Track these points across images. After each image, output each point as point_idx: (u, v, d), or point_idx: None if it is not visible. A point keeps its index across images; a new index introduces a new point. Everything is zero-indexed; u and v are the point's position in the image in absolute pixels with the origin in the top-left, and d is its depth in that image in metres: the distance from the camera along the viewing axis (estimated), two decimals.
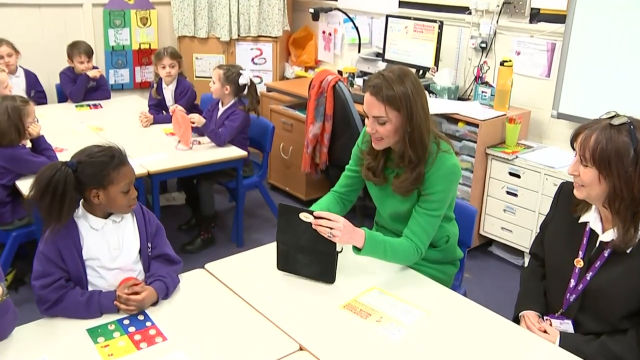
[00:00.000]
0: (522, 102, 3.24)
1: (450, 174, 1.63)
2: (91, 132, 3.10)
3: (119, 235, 1.54)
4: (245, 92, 3.11)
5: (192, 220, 3.41)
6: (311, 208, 1.82)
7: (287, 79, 4.55)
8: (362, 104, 3.53)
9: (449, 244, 1.82)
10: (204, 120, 2.95)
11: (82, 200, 1.51)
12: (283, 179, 3.94)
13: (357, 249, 1.58)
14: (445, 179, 1.62)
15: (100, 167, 1.46)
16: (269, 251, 1.74)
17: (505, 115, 3.05)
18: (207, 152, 2.92)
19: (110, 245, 1.52)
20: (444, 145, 1.66)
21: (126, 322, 1.43)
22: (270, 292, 1.58)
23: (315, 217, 1.53)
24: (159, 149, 2.92)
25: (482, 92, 3.22)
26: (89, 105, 3.65)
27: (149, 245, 1.59)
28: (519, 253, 3.10)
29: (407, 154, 1.61)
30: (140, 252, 1.57)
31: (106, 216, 1.53)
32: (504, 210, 3.03)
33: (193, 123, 2.90)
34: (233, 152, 2.97)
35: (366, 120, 1.65)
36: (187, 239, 3.21)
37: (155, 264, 1.59)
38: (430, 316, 1.49)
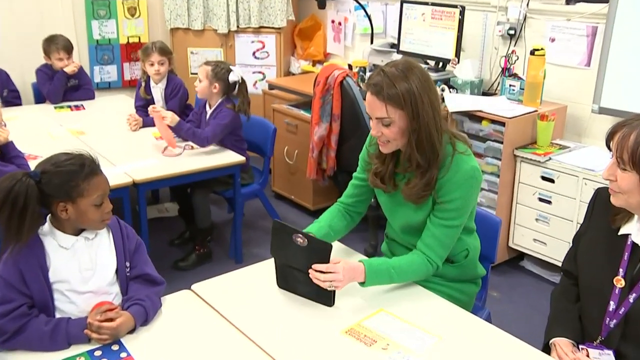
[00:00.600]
0: (556, 96, 3.18)
1: (469, 179, 1.60)
2: (71, 137, 3.11)
3: (91, 254, 1.52)
4: (236, 91, 3.09)
5: (185, 233, 3.41)
6: (314, 222, 1.80)
7: (293, 74, 4.54)
8: None
9: (468, 259, 1.78)
10: (177, 119, 2.93)
11: (49, 215, 1.50)
12: (288, 187, 3.92)
13: (360, 282, 1.60)
14: (463, 185, 1.60)
15: (67, 177, 1.44)
16: (266, 268, 1.72)
17: (536, 111, 3.00)
18: (200, 158, 2.92)
19: (81, 265, 1.50)
20: (460, 146, 1.64)
21: (98, 353, 1.41)
22: (265, 316, 1.56)
23: (311, 255, 1.54)
24: (148, 154, 2.92)
25: (510, 85, 3.17)
26: (69, 107, 3.67)
27: (127, 264, 1.58)
28: (555, 268, 3.03)
29: (415, 157, 1.60)
30: (117, 272, 1.56)
31: (77, 233, 1.51)
32: (536, 220, 2.97)
33: (164, 119, 2.89)
34: (229, 157, 2.96)
35: (370, 122, 1.64)
36: (180, 254, 3.21)
37: (134, 286, 1.58)
38: (443, 343, 1.45)
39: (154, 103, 3.50)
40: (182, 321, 1.54)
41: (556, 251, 2.91)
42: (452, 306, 1.62)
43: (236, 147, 3.10)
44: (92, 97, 3.82)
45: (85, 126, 3.28)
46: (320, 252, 1.54)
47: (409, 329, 1.49)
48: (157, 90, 3.48)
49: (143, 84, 3.48)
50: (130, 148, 3.04)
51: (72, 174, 1.44)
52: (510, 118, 2.89)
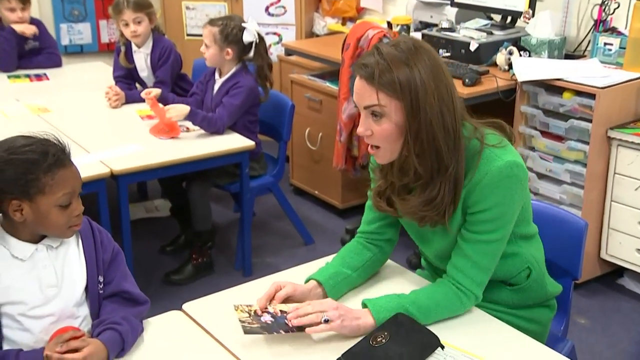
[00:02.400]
0: None
1: (505, 179, 1.55)
2: (31, 115, 3.14)
3: (57, 266, 1.53)
4: (252, 53, 3.10)
5: (180, 238, 3.44)
6: (328, 263, 1.76)
7: (317, 35, 4.54)
8: None
9: (532, 278, 1.74)
10: (187, 110, 2.95)
11: None
12: (310, 179, 3.93)
13: None
14: (498, 187, 1.55)
15: (24, 168, 1.42)
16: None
17: None
18: (198, 143, 2.93)
19: (43, 282, 1.50)
20: (491, 138, 1.59)
21: None
22: (272, 343, 1.55)
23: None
24: (132, 138, 2.94)
25: (606, 44, 3.12)
26: (28, 76, 3.71)
27: (101, 279, 1.58)
28: None
29: (411, 164, 1.55)
30: (86, 289, 1.56)
31: (37, 239, 1.52)
32: None
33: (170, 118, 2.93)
34: (235, 141, 2.97)
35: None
36: (174, 265, 3.24)
37: (108, 306, 1.58)
38: None
39: (137, 73, 3.55)
40: (169, 349, 1.54)
41: None
42: (522, 337, 1.60)
43: (248, 129, 3.12)
44: (58, 64, 3.86)
45: (50, 102, 3.32)
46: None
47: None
48: (141, 57, 3.51)
49: (123, 48, 3.52)
50: (109, 130, 3.07)
51: (31, 164, 1.43)
52: (602, 88, 2.84)
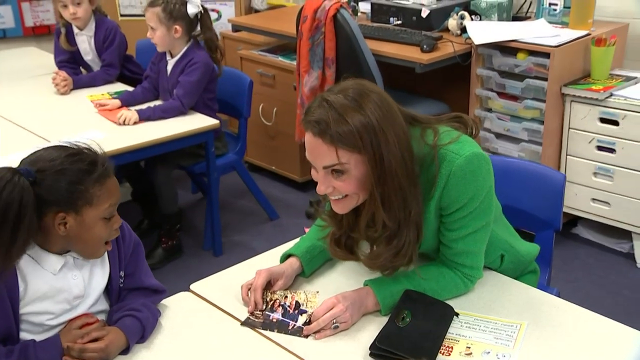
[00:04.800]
0: (612, 13, 3.21)
1: (469, 174, 1.51)
2: None
3: (85, 277, 1.49)
4: (199, 27, 3.06)
5: (143, 223, 3.40)
6: (302, 237, 1.76)
7: (257, 11, 4.49)
8: (374, 38, 3.39)
9: (505, 262, 1.75)
10: (136, 116, 2.89)
11: None
12: (266, 155, 3.92)
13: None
14: (466, 184, 1.51)
15: (76, 178, 1.37)
16: (273, 260, 1.74)
17: (588, 35, 3.02)
18: (161, 125, 2.89)
19: (71, 293, 1.47)
20: (444, 136, 1.53)
21: None
22: None
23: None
24: (89, 125, 2.88)
25: (551, 4, 3.20)
26: None
27: (122, 273, 1.56)
28: (622, 233, 3.11)
29: (380, 217, 1.49)
30: (108, 283, 1.54)
31: (63, 252, 1.46)
32: (595, 175, 3.03)
33: (122, 123, 2.86)
34: (199, 121, 2.95)
35: (312, 171, 1.51)
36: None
37: (127, 297, 1.57)
38: (534, 328, 1.51)
39: (81, 56, 3.43)
40: (185, 329, 1.55)
41: (623, 212, 2.99)
42: (521, 286, 1.68)
43: (208, 107, 3.08)
44: None
45: None
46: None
47: (484, 322, 1.53)
48: (84, 39, 3.40)
49: (63, 30, 3.40)
50: (64, 118, 2.98)
51: (82, 174, 1.38)
52: (555, 47, 2.91)
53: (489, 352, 1.44)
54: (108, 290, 1.56)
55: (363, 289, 1.58)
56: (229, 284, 1.68)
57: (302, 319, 1.55)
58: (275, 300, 1.61)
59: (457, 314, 1.55)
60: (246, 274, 1.68)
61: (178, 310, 1.62)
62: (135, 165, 3.24)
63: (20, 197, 1.30)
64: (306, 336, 1.50)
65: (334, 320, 1.50)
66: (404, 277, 1.59)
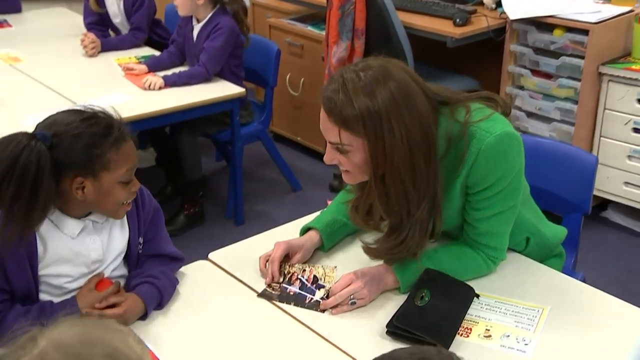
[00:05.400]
0: None
1: (500, 153, 1.48)
2: (2, 65, 3.03)
3: (104, 241, 1.49)
4: None
5: (167, 189, 3.41)
6: (324, 211, 1.74)
7: None
8: (406, 10, 3.33)
9: (533, 243, 1.73)
10: (162, 81, 2.88)
11: None
12: (291, 126, 3.90)
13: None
14: (495, 163, 1.48)
15: (92, 141, 1.36)
16: (294, 230, 1.73)
17: (632, 11, 2.96)
18: (187, 91, 2.89)
19: (90, 257, 1.47)
20: (476, 114, 1.50)
21: None
22: None
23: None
24: (114, 87, 2.88)
25: None
26: None
27: (140, 239, 1.56)
28: None
29: (377, 209, 1.49)
30: (127, 249, 1.55)
31: (84, 215, 1.46)
32: (629, 157, 2.98)
33: (148, 88, 2.86)
34: (225, 89, 2.93)
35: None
36: (164, 216, 3.19)
37: (146, 264, 1.57)
38: (555, 313, 1.49)
39: (110, 19, 3.43)
40: (202, 297, 1.55)
41: None
42: (545, 269, 1.66)
43: (234, 74, 3.06)
44: (17, 10, 3.70)
45: (19, 50, 3.20)
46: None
47: (505, 305, 1.51)
48: (113, 2, 3.40)
49: None
50: (91, 80, 2.99)
51: (98, 138, 1.36)
52: (594, 23, 2.85)
53: (508, 336, 1.42)
54: (127, 256, 1.56)
55: (382, 266, 1.57)
56: (248, 255, 1.68)
57: (319, 294, 1.54)
58: (293, 273, 1.60)
59: (477, 295, 1.52)
60: (266, 244, 1.67)
61: (196, 278, 1.63)
62: (160, 130, 3.24)
63: (38, 161, 1.30)
64: (322, 311, 1.49)
65: (352, 296, 1.49)
66: (424, 255, 1.57)
